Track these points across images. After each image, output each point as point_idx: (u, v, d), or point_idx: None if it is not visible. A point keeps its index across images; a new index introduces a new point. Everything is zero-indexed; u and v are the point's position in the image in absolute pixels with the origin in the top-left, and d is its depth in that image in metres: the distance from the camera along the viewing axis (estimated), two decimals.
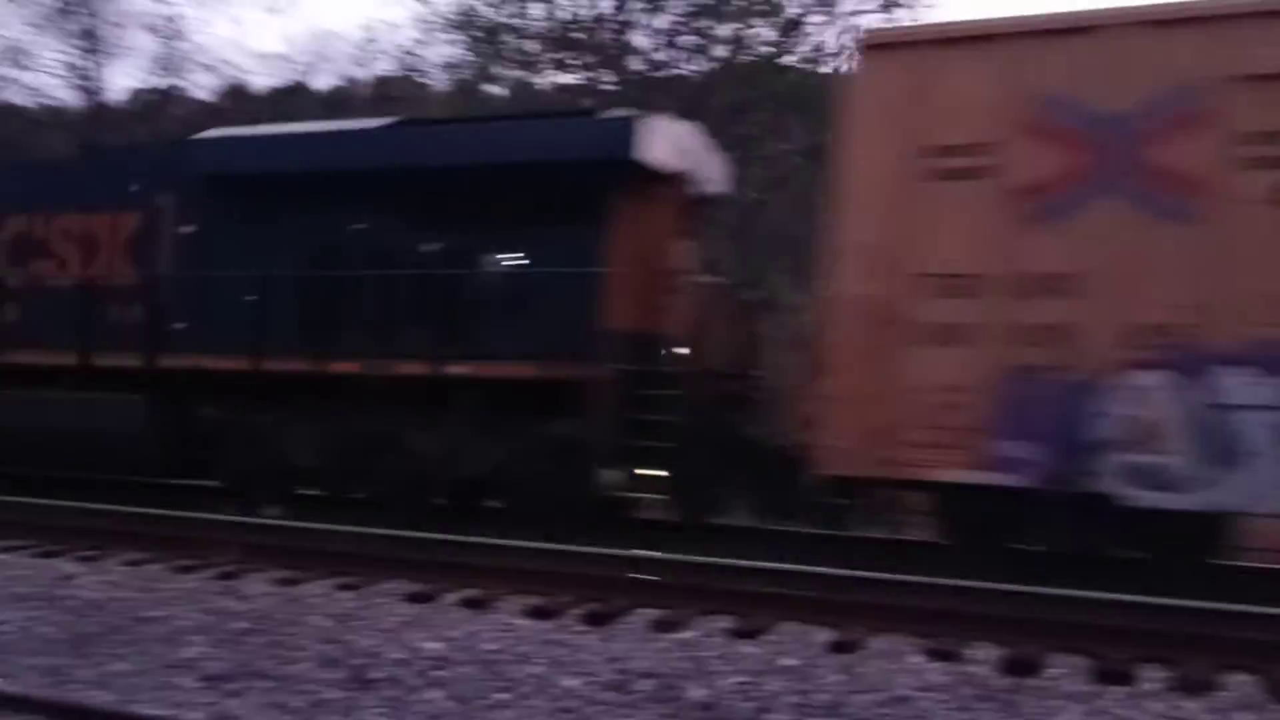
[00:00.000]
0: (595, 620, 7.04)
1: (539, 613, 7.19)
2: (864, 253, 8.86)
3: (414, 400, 10.49)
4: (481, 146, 10.66)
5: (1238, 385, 7.79)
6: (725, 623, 6.98)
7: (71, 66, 26.94)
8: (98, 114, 26.46)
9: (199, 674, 6.54)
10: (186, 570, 8.28)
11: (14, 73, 27.42)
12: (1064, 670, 6.15)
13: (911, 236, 8.70)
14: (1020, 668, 6.09)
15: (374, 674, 6.36)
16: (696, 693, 5.92)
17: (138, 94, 28.44)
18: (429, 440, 10.46)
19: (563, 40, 18.98)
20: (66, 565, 8.46)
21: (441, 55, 21.68)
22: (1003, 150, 8.57)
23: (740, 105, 18.29)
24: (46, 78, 28.08)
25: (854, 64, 9.30)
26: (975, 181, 8.57)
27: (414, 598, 7.55)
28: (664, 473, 9.77)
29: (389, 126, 11.64)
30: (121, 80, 29.69)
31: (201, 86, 28.79)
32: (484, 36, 19.71)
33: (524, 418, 10.11)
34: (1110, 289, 8.20)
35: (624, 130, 10.16)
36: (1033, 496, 8.34)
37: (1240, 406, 7.76)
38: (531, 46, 19.47)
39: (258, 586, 7.87)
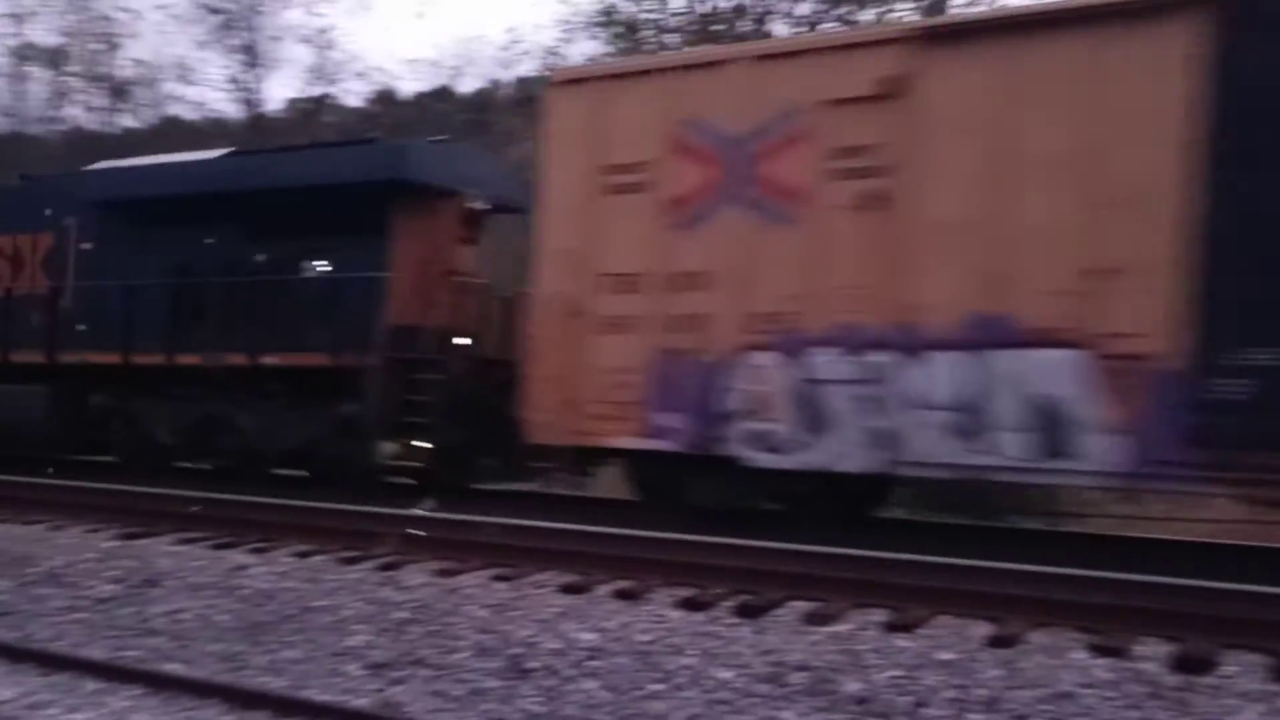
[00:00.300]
0: (747, 612, 7.02)
1: (691, 604, 7.22)
2: (559, 256, 10.63)
3: (243, 386, 12.60)
4: (291, 172, 12.62)
5: (826, 363, 9.35)
6: (880, 616, 6.90)
7: (233, 80, 28.18)
8: (257, 124, 27.59)
9: (364, 662, 6.77)
10: (350, 561, 8.55)
11: (181, 88, 28.83)
12: (1239, 668, 5.89)
13: (594, 242, 10.43)
14: (1192, 665, 5.85)
15: (530, 664, 6.49)
16: (852, 686, 5.87)
17: (293, 103, 29.55)
18: (253, 419, 12.54)
19: (702, 33, 18.94)
20: (239, 556, 8.83)
21: (583, 53, 21.90)
22: (657, 168, 10.23)
23: None
24: (211, 92, 29.49)
25: (546, 96, 11.16)
26: (638, 195, 10.27)
27: (567, 589, 7.67)
28: (429, 444, 11.63)
29: (224, 156, 13.92)
30: (279, 91, 30.92)
31: (353, 93, 29.75)
32: (624, 32, 19.81)
33: (323, 400, 12.02)
34: (734, 284, 9.82)
35: (398, 155, 12.33)
36: (685, 459, 9.99)
37: (828, 381, 9.34)
38: (671, 39, 19.48)
39: (417, 577, 8.09)
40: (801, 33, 17.90)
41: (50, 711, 6.06)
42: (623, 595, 7.48)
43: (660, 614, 7.10)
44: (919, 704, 5.63)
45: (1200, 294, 7.98)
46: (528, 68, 27.07)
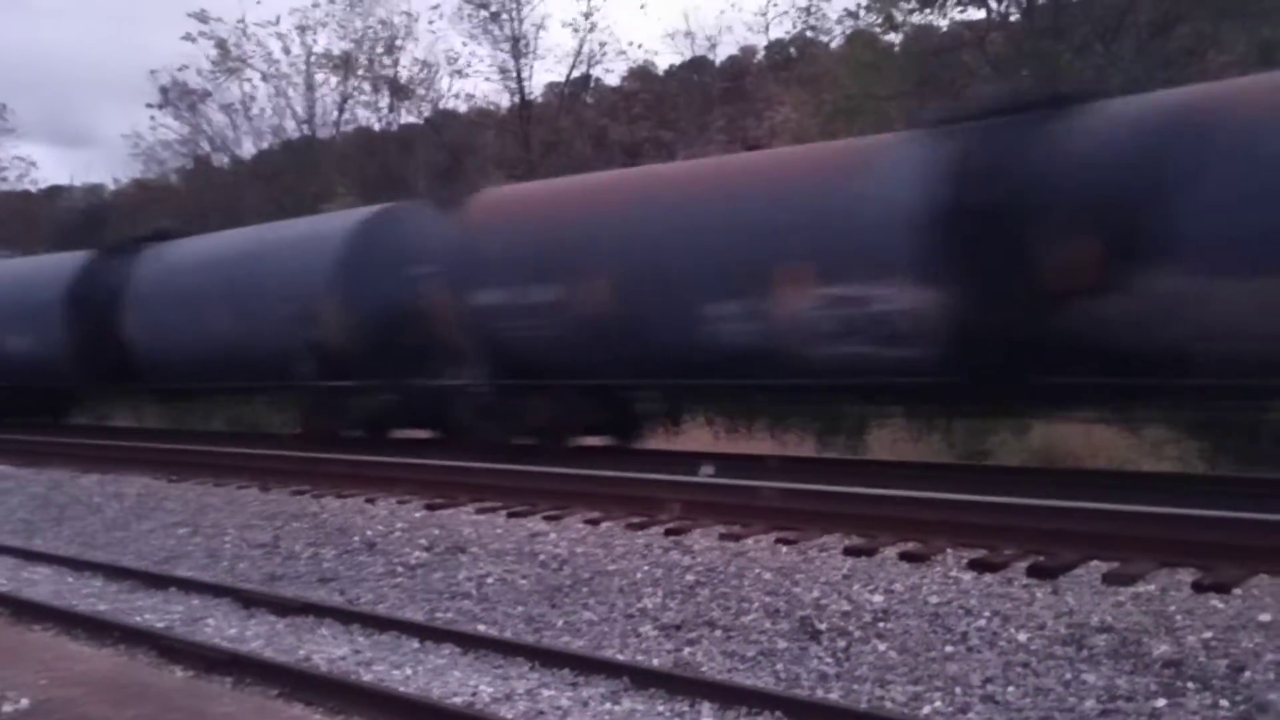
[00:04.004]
0: (1042, 573, 6.81)
1: (982, 566, 7.06)
2: None
3: None
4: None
5: None
6: (1187, 576, 6.54)
7: (501, 70, 29.24)
8: (523, 111, 28.58)
9: (657, 623, 6.99)
10: (638, 527, 8.83)
11: (454, 83, 30.02)
12: None
13: None
14: None
15: (820, 625, 6.53)
16: (1161, 649, 5.60)
17: (551, 88, 30.44)
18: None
19: None
20: (534, 524, 9.28)
21: (841, 8, 21.53)
22: None
23: (1165, 20, 16.77)
24: (483, 83, 30.72)
25: None
26: None
27: (852, 551, 7.65)
28: None
29: None
30: (543, 77, 31.95)
31: (613, 72, 30.33)
32: None
33: None
34: None
35: None
36: None
37: None
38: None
39: (703, 541, 8.26)
40: None
41: (378, 668, 6.58)
42: (909, 557, 7.40)
43: (950, 576, 6.98)
44: (1236, 668, 5.32)
45: None
46: (783, 30, 26.86)
